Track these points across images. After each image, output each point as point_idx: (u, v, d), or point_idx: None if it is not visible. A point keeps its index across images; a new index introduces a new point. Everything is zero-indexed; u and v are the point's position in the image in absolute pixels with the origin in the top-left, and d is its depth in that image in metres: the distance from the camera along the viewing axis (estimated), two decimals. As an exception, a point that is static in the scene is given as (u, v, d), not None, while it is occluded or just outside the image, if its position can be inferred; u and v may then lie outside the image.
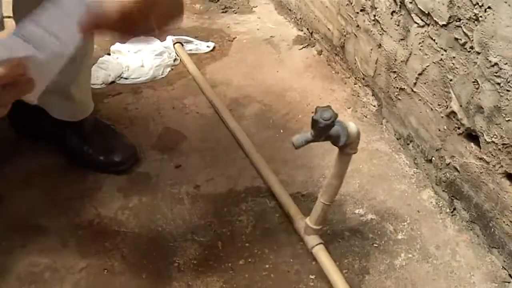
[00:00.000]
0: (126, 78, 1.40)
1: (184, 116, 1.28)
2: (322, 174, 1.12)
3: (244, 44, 1.58)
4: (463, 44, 0.89)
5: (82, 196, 1.05)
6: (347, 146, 0.80)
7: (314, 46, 1.58)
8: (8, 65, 0.52)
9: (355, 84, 1.37)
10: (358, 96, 1.35)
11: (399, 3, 1.07)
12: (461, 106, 0.93)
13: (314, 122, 0.74)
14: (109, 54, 1.49)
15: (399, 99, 1.15)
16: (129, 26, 0.57)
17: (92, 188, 1.07)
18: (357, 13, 1.26)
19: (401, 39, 1.09)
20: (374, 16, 1.18)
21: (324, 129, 0.75)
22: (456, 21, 0.90)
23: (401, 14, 1.08)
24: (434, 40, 0.98)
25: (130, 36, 0.60)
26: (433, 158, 1.05)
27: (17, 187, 1.07)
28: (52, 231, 0.98)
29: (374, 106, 1.28)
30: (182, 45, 1.53)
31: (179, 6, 0.63)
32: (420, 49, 1.03)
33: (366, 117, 1.29)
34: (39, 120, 1.11)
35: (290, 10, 1.72)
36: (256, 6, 1.80)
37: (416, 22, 1.03)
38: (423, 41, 1.02)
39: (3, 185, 1.08)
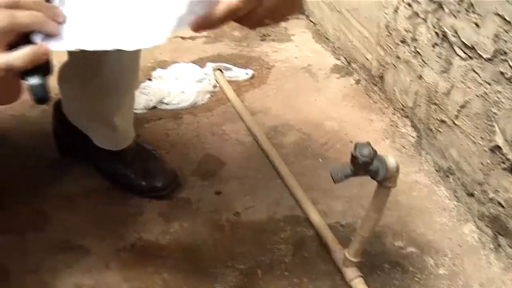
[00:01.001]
0: (167, 104, 1.44)
1: (223, 142, 1.30)
2: (360, 204, 1.12)
3: (282, 72, 1.60)
4: (509, 78, 0.89)
5: (124, 219, 1.08)
6: (386, 180, 0.80)
7: (351, 75, 1.59)
8: None
9: (393, 114, 1.37)
10: (397, 126, 1.35)
11: (441, 36, 1.08)
12: (506, 140, 0.92)
13: (353, 159, 0.75)
14: (150, 79, 1.54)
15: (439, 131, 1.15)
16: (238, 21, 0.59)
17: (134, 212, 1.10)
18: (397, 44, 1.27)
19: (443, 71, 1.09)
20: (415, 47, 1.19)
21: (363, 166, 0.76)
22: (502, 54, 0.90)
23: (443, 47, 1.08)
24: (478, 73, 0.98)
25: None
26: (475, 192, 1.04)
27: (62, 208, 1.10)
28: (96, 253, 1.01)
29: (413, 137, 1.27)
30: (222, 72, 1.56)
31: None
32: (462, 82, 1.03)
33: (404, 148, 1.29)
34: (84, 144, 1.15)
35: (327, 39, 1.74)
36: (294, 35, 1.83)
37: (458, 55, 1.03)
38: (466, 74, 1.02)
39: (49, 205, 1.11)
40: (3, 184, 1.15)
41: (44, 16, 0.54)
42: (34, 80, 0.54)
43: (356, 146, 0.73)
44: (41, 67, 0.55)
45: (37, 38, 0.55)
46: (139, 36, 0.54)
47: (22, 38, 0.54)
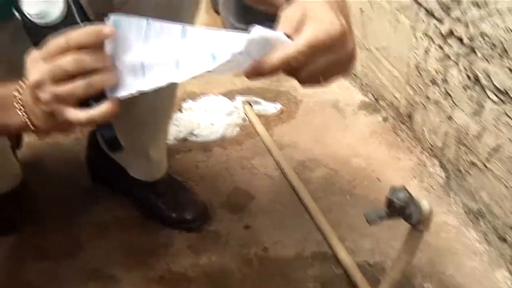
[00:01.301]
0: (196, 136, 1.46)
1: (252, 176, 1.31)
2: (389, 244, 1.12)
3: (310, 107, 1.62)
4: (543, 126, 0.89)
5: (154, 250, 1.10)
6: (419, 224, 0.81)
7: (379, 112, 1.60)
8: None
9: (421, 153, 1.37)
10: (425, 166, 1.35)
11: (473, 79, 1.09)
12: (539, 187, 0.92)
13: (389, 202, 0.76)
14: (181, 111, 1.57)
15: (469, 173, 1.15)
16: (290, 73, 0.60)
17: (164, 243, 1.11)
18: (427, 84, 1.29)
19: (474, 114, 1.10)
20: (445, 89, 1.20)
21: (398, 209, 0.77)
22: (535, 102, 0.91)
23: (475, 90, 1.09)
24: (511, 117, 0.98)
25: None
26: (508, 236, 1.03)
27: (94, 237, 1.13)
28: (126, 283, 1.03)
29: (442, 177, 1.27)
30: (251, 105, 1.58)
31: (348, 59, 0.61)
32: (494, 126, 1.04)
33: (432, 188, 1.29)
34: (117, 173, 1.17)
35: (355, 75, 1.76)
36: (322, 70, 1.86)
37: (491, 99, 1.04)
38: (498, 118, 1.02)
39: (82, 233, 1.14)
40: (39, 212, 1.18)
41: (111, 72, 0.58)
42: (108, 133, 0.58)
43: (392, 190, 0.74)
44: None
45: (108, 91, 0.58)
46: (191, 66, 0.57)
47: None
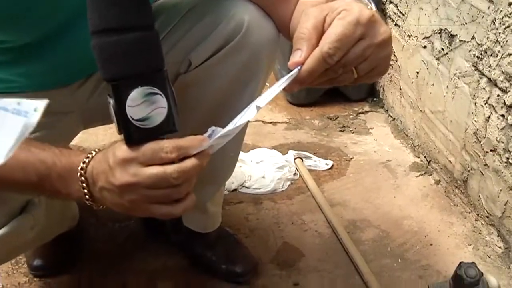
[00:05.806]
0: (247, 188, 1.47)
1: (302, 233, 1.31)
2: (444, 315, 1.08)
3: (361, 166, 1.62)
4: None
5: (203, 302, 1.09)
6: (484, 299, 0.78)
7: (431, 175, 1.58)
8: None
9: (476, 220, 1.34)
10: (480, 233, 1.31)
11: (536, 151, 1.07)
12: None
13: (458, 277, 0.75)
14: (232, 161, 1.59)
15: (530, 246, 1.11)
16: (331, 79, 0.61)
17: (213, 295, 1.11)
18: (486, 152, 1.26)
19: (537, 186, 1.07)
20: (507, 158, 1.18)
21: (466, 286, 0.75)
22: None
23: (538, 162, 1.07)
24: None
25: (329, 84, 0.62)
26: None
27: (141, 283, 1.14)
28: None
29: (500, 247, 1.23)
30: (302, 160, 1.59)
31: (384, 61, 0.62)
32: (559, 200, 1.01)
33: (489, 257, 1.24)
34: (171, 222, 1.18)
35: (407, 135, 1.75)
36: (373, 128, 1.85)
37: (555, 172, 1.01)
38: None
39: (130, 280, 1.15)
40: (90, 254, 1.21)
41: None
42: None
43: (461, 265, 0.73)
44: None
45: None
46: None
47: None
